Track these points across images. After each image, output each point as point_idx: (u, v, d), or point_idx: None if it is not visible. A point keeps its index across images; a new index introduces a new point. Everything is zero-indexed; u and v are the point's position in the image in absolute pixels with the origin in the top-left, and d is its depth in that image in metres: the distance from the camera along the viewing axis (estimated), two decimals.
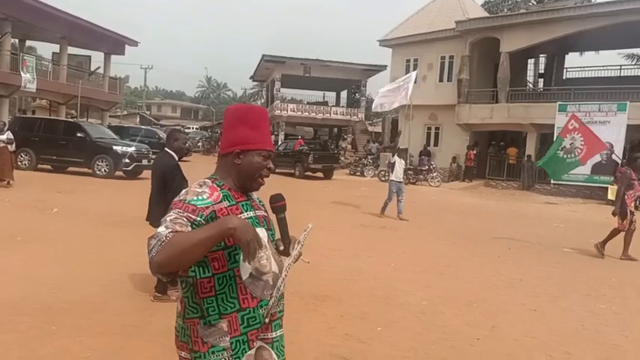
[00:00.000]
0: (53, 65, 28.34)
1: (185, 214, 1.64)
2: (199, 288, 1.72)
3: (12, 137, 14.26)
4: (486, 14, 27.70)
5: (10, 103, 26.17)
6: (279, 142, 30.04)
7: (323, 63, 32.69)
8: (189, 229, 1.60)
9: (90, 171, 17.04)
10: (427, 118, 26.72)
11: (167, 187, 5.06)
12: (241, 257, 1.71)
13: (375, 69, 33.28)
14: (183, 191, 1.75)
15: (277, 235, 1.97)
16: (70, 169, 17.72)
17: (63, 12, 25.63)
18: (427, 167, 23.53)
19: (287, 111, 33.44)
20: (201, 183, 1.78)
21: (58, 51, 28.83)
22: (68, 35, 27.44)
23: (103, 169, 16.96)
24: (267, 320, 1.79)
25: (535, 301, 6.12)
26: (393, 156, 13.72)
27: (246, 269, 1.74)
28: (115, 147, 17.28)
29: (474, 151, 24.04)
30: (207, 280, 1.71)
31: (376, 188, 20.38)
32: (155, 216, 4.87)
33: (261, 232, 1.82)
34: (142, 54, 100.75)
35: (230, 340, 1.72)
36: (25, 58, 24.10)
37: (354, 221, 11.58)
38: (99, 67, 30.98)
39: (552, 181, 20.66)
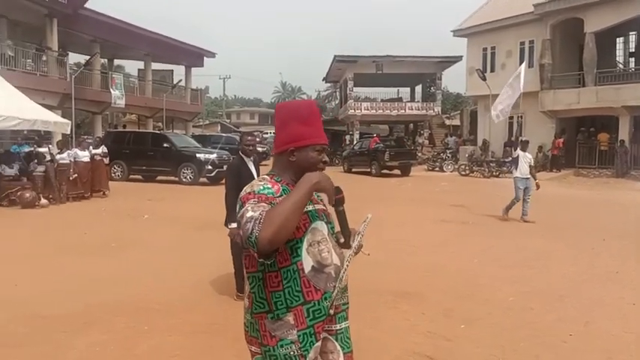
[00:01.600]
0: (139, 81, 30.14)
1: (261, 201, 1.68)
2: (267, 282, 1.75)
3: (106, 151, 15.33)
4: None
5: (102, 119, 28.07)
6: (354, 142, 30.07)
7: (395, 59, 32.30)
8: (258, 213, 1.64)
9: (176, 179, 17.91)
10: None
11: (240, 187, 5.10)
12: (303, 250, 1.74)
13: (450, 60, 32.42)
14: (247, 186, 1.79)
15: (337, 228, 1.97)
16: (159, 177, 18.72)
17: (146, 30, 27.21)
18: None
19: (361, 110, 33.37)
20: (260, 179, 1.83)
21: (143, 67, 30.61)
22: (152, 52, 29.05)
23: (188, 177, 17.78)
24: (331, 312, 1.80)
25: (634, 294, 5.68)
26: (515, 150, 12.96)
27: (308, 262, 1.76)
28: (198, 155, 18.07)
29: (562, 139, 22.75)
30: (275, 275, 1.74)
31: (457, 183, 19.87)
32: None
33: (322, 226, 1.84)
34: (220, 65, 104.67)
35: (297, 333, 1.74)
36: (113, 76, 25.77)
37: (434, 217, 11.33)
38: (180, 80, 32.52)
39: None
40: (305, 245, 1.75)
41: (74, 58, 28.70)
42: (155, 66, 31.33)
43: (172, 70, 33.41)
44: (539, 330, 4.62)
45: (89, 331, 4.46)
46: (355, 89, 35.00)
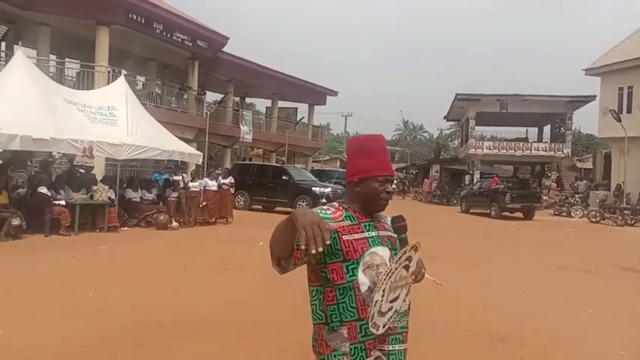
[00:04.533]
0: (266, 118, 32.21)
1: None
2: (325, 296, 1.93)
3: (233, 181, 16.58)
4: None
5: (232, 152, 30.29)
6: (474, 181, 29.24)
7: (521, 97, 31.15)
8: None
9: (293, 210, 18.74)
10: None
11: None
12: (359, 271, 1.88)
13: (581, 100, 30.53)
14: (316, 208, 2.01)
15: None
16: (278, 208, 19.72)
17: (275, 71, 29.15)
18: None
19: (482, 149, 32.44)
20: (330, 204, 2.04)
21: (270, 105, 32.73)
22: (278, 91, 30.99)
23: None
24: (375, 331, 1.85)
25: None
26: None
27: (364, 283, 1.89)
28: (314, 188, 18.85)
29: None
30: (330, 290, 1.91)
31: (584, 230, 18.51)
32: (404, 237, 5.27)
33: (384, 251, 1.96)
34: (342, 102, 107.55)
35: (350, 346, 1.87)
36: (244, 113, 27.84)
37: (552, 263, 10.71)
38: (303, 117, 34.17)
39: None
40: (362, 267, 1.90)
41: (211, 96, 31.58)
42: (281, 104, 33.31)
43: (297, 108, 35.29)
44: None
45: (196, 340, 4.95)
46: (478, 128, 34.19)
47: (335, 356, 1.89)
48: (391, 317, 1.90)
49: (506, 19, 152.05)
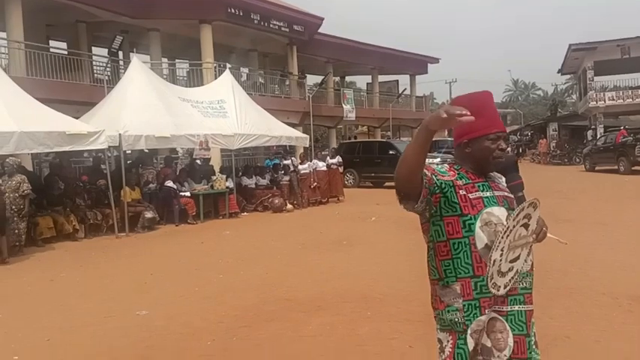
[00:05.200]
0: (367, 94, 32.09)
1: (427, 170, 1.86)
2: (437, 251, 1.93)
3: (340, 160, 16.82)
4: None
5: (336, 131, 30.63)
6: (598, 137, 27.01)
7: None
8: (432, 176, 1.85)
9: None
10: None
11: (510, 171, 5.49)
12: (477, 228, 1.86)
13: None
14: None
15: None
16: (387, 183, 19.67)
17: (372, 45, 28.92)
18: None
19: (604, 101, 29.75)
20: (442, 164, 2.03)
21: (371, 81, 32.52)
22: (378, 65, 30.69)
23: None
24: (494, 292, 1.81)
25: None
26: None
27: (481, 239, 1.86)
28: None
29: None
30: (444, 244, 1.91)
31: None
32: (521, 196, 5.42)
33: (500, 211, 1.91)
34: (445, 69, 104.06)
35: (463, 302, 1.87)
36: (344, 92, 27.97)
37: None
38: (405, 89, 33.55)
39: None
40: (479, 223, 1.87)
41: (312, 79, 32.07)
42: (381, 78, 32.96)
43: (397, 81, 34.68)
44: None
45: (321, 313, 5.17)
46: (597, 78, 31.35)
47: (448, 312, 1.90)
48: (512, 278, 1.86)
49: None
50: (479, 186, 1.95)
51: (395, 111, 30.48)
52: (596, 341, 4.17)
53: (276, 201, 14.01)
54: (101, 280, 7.08)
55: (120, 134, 10.62)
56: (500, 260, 1.79)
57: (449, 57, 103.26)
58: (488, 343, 1.87)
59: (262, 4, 20.79)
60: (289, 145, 18.73)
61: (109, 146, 10.77)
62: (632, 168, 20.08)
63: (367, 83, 34.36)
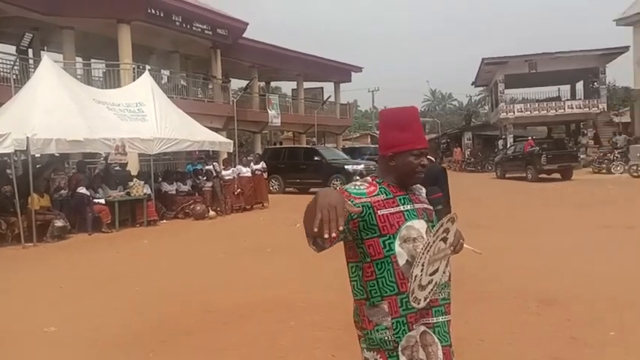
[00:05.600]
0: (293, 100, 32.19)
1: (344, 194, 1.85)
2: (363, 272, 1.92)
3: (265, 166, 16.69)
4: None
5: (261, 137, 30.44)
6: (508, 146, 28.68)
7: (551, 56, 30.18)
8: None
9: None
10: None
11: (439, 186, 5.69)
12: (396, 245, 1.87)
13: (614, 52, 29.34)
14: (348, 184, 2.01)
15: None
16: (312, 189, 19.78)
17: (298, 52, 29.05)
18: None
19: (514, 112, 31.73)
20: (363, 179, 2.02)
21: (296, 87, 32.67)
22: (303, 72, 30.88)
23: (337, 187, 18.45)
24: (416, 305, 1.83)
25: None
26: None
27: (402, 256, 1.88)
28: (346, 166, 18.84)
29: None
30: (368, 266, 1.90)
31: (626, 186, 17.97)
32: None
33: (420, 224, 1.93)
34: (368, 78, 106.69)
35: (391, 320, 1.87)
36: (270, 97, 27.88)
37: (595, 222, 10.46)
38: (330, 96, 33.98)
39: None
40: (399, 241, 1.88)
41: (236, 83, 31.71)
42: (307, 85, 33.19)
43: (322, 88, 35.08)
44: None
45: (244, 323, 5.06)
46: (507, 91, 33.36)
47: (377, 331, 1.89)
48: (432, 290, 1.89)
49: None
50: (399, 199, 1.96)
51: (320, 117, 30.78)
52: (508, 344, 4.37)
53: (198, 208, 13.67)
54: (6, 294, 6.57)
55: (28, 137, 9.93)
56: (421, 275, 1.81)
57: (372, 66, 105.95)
58: (424, 357, 1.88)
59: (184, 6, 20.31)
60: (212, 151, 18.36)
61: (16, 150, 10.06)
62: (539, 176, 21.48)
63: (292, 89, 34.49)
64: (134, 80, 16.11)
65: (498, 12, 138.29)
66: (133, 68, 18.22)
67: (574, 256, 7.55)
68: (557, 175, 21.72)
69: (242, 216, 14.26)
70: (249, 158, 17.47)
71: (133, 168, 14.66)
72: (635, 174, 20.59)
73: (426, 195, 2.09)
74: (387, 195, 1.94)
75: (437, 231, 1.81)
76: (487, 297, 5.67)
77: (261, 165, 16.40)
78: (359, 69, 34.89)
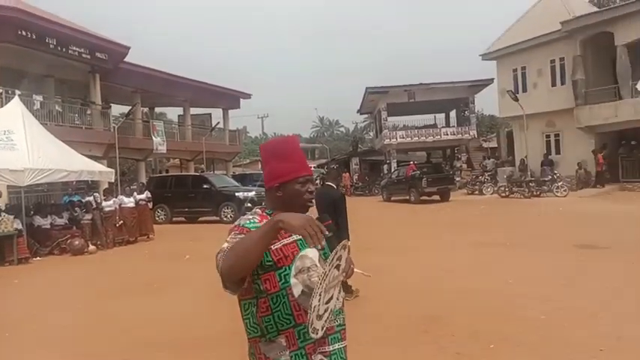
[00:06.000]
0: (179, 126, 31.35)
1: (242, 234, 1.82)
2: (258, 308, 1.87)
3: (150, 196, 15.97)
4: (595, 9, 25.89)
5: (146, 165, 29.18)
6: (392, 170, 30.15)
7: (427, 86, 32.48)
8: (226, 244, 1.78)
9: (218, 218, 18.40)
10: (544, 125, 25.33)
11: (337, 210, 6.22)
12: (291, 277, 1.85)
13: (481, 84, 32.31)
14: (238, 220, 1.96)
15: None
16: (201, 218, 19.27)
17: (183, 78, 28.42)
18: (550, 177, 22.06)
19: (396, 139, 33.52)
20: (252, 212, 1.98)
21: (182, 113, 31.87)
22: (189, 98, 30.20)
23: (229, 215, 18.24)
24: (314, 335, 1.82)
25: None
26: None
27: (298, 287, 1.86)
28: (237, 194, 18.58)
29: (603, 154, 22.17)
30: (264, 301, 1.86)
31: (496, 205, 19.62)
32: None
33: (313, 253, 1.94)
34: (257, 104, 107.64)
35: (290, 354, 1.84)
36: (154, 123, 26.89)
37: (472, 240, 11.26)
38: (218, 123, 33.55)
39: None
40: (293, 272, 1.86)
41: (118, 109, 30.25)
42: (194, 111, 32.52)
43: (210, 114, 34.55)
44: (570, 347, 4.60)
45: None
46: (390, 119, 35.21)
47: None
48: (328, 318, 1.88)
49: (409, 13, 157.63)
50: None
51: (208, 144, 30.22)
52: None
53: (76, 242, 12.70)
54: None
55: None
56: (319, 305, 1.80)
57: (261, 92, 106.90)
58: None
59: (59, 29, 19.12)
60: (92, 180, 17.25)
61: None
62: (421, 198, 22.78)
63: (179, 115, 33.56)
64: (2, 106, 14.75)
65: (378, 50, 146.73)
66: (1, 93, 16.73)
67: (454, 273, 8.06)
68: (437, 197, 23.19)
69: (125, 249, 13.48)
70: (132, 187, 16.66)
71: (1, 201, 13.32)
72: (504, 194, 22.59)
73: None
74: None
75: (332, 259, 1.82)
76: (378, 318, 5.83)
77: (146, 194, 15.70)
78: (248, 95, 34.94)
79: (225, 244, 1.77)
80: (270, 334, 1.85)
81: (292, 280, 1.86)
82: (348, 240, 6.25)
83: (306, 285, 1.87)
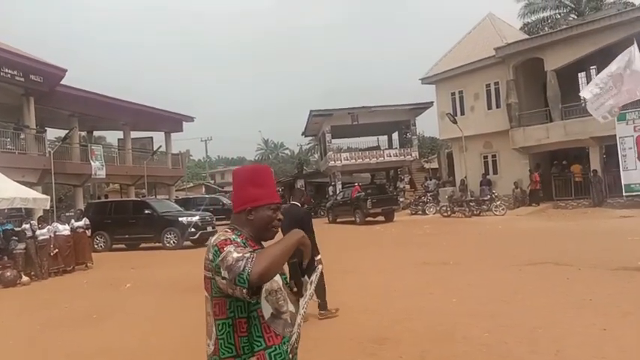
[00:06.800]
0: (119, 150, 30.44)
1: (239, 246, 1.87)
2: (237, 328, 1.90)
3: (88, 222, 15.35)
4: (526, 36, 27.40)
5: (84, 190, 28.08)
6: (337, 192, 30.39)
7: (369, 109, 33.12)
8: (248, 253, 1.82)
9: (160, 244, 17.88)
10: (482, 147, 26.32)
11: (304, 227, 6.11)
12: (262, 299, 1.90)
13: (421, 107, 33.29)
14: (220, 235, 1.96)
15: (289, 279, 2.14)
16: (143, 245, 18.66)
17: (123, 101, 27.71)
18: (489, 196, 22.89)
19: (341, 160, 33.86)
20: (225, 230, 2.02)
21: (122, 136, 30.98)
22: (130, 121, 29.47)
23: (172, 241, 17.78)
24: (290, 356, 1.94)
25: (605, 320, 5.83)
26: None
27: (267, 309, 1.93)
28: (180, 219, 18.15)
29: (538, 173, 23.25)
30: (245, 321, 1.89)
31: (439, 224, 20.09)
32: (297, 250, 6.06)
33: (277, 276, 1.99)
34: (200, 127, 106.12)
35: None
36: (93, 148, 25.98)
37: (416, 260, 11.46)
38: (160, 146, 32.80)
39: (625, 194, 19.70)
40: (264, 294, 1.91)
41: (54, 133, 29.06)
42: (135, 134, 31.67)
43: (152, 137, 33.73)
44: None
45: None
46: (334, 141, 35.62)
47: None
48: (295, 339, 2.01)
49: (350, 31, 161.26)
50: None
51: (150, 168, 29.47)
52: None
53: (8, 274, 12.01)
54: None
55: None
56: (298, 331, 1.97)
57: (204, 115, 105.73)
58: None
59: None
60: (25, 208, 16.40)
61: None
62: (366, 219, 23.03)
63: (119, 139, 32.58)
64: None
65: (323, 76, 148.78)
66: None
67: (399, 294, 8.15)
68: (381, 218, 23.52)
69: (62, 279, 12.85)
70: (68, 214, 15.97)
71: None
72: (445, 214, 23.21)
73: None
74: (248, 248, 1.96)
75: (310, 288, 2.04)
76: (324, 342, 5.79)
77: (84, 221, 15.10)
78: (191, 118, 34.44)
79: (237, 254, 1.78)
80: (245, 355, 1.89)
81: (263, 303, 1.92)
82: (318, 254, 6.42)
83: (274, 307, 1.94)
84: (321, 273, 6.86)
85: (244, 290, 1.74)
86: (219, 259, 1.81)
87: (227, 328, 1.91)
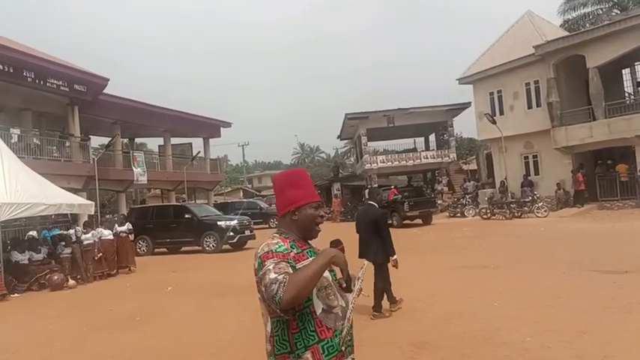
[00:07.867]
0: (160, 157, 31.16)
1: (280, 259, 1.97)
2: (289, 326, 2.01)
3: (131, 227, 15.76)
4: (566, 33, 26.65)
5: (126, 196, 28.86)
6: None
7: (406, 111, 32.87)
8: (290, 268, 1.95)
9: (200, 248, 18.19)
10: (522, 147, 25.72)
11: (380, 228, 6.77)
12: (314, 295, 2.01)
13: (459, 107, 32.84)
14: (264, 245, 2.06)
15: (339, 275, 2.22)
16: (184, 248, 19.02)
17: (163, 108, 28.37)
18: (531, 198, 22.32)
19: (377, 163, 33.71)
20: (272, 237, 2.12)
21: (163, 143, 31.72)
22: (170, 128, 30.15)
23: (211, 245, 18.06)
24: (343, 348, 2.05)
25: None
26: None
27: (318, 305, 2.03)
28: (219, 223, 18.42)
29: (581, 173, 22.55)
30: (293, 319, 2.00)
31: (479, 227, 19.73)
32: (371, 251, 6.81)
33: (326, 273, 2.07)
34: (238, 132, 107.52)
35: None
36: (135, 154, 26.70)
37: (455, 263, 11.29)
38: (199, 152, 33.42)
39: None
40: (314, 291, 2.01)
41: (98, 140, 30.01)
42: (174, 140, 32.39)
43: (191, 143, 34.42)
44: None
45: None
46: (370, 143, 35.48)
47: None
48: (346, 332, 2.12)
49: (389, 34, 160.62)
50: (307, 252, 2.12)
51: (189, 173, 30.05)
52: None
53: (55, 277, 12.43)
54: None
55: None
56: (348, 324, 2.08)
57: (241, 121, 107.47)
58: None
59: (37, 62, 18.98)
60: (71, 213, 16.96)
61: None
62: (403, 222, 22.83)
63: (159, 145, 33.38)
64: None
65: (362, 67, 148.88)
66: None
67: (439, 298, 8.05)
68: (419, 221, 23.27)
69: (106, 283, 13.22)
70: (111, 217, 16.41)
71: None
72: (485, 216, 22.76)
73: (330, 247, 2.19)
74: (297, 250, 2.09)
75: (359, 284, 2.13)
76: (364, 345, 5.76)
77: (127, 226, 15.51)
78: (228, 124, 34.96)
79: (274, 275, 1.91)
80: (299, 351, 2.01)
81: (314, 299, 2.03)
82: (395, 254, 6.98)
83: (325, 303, 2.06)
84: (387, 276, 7.02)
85: (277, 310, 1.90)
86: (261, 273, 1.95)
87: (281, 325, 2.03)
